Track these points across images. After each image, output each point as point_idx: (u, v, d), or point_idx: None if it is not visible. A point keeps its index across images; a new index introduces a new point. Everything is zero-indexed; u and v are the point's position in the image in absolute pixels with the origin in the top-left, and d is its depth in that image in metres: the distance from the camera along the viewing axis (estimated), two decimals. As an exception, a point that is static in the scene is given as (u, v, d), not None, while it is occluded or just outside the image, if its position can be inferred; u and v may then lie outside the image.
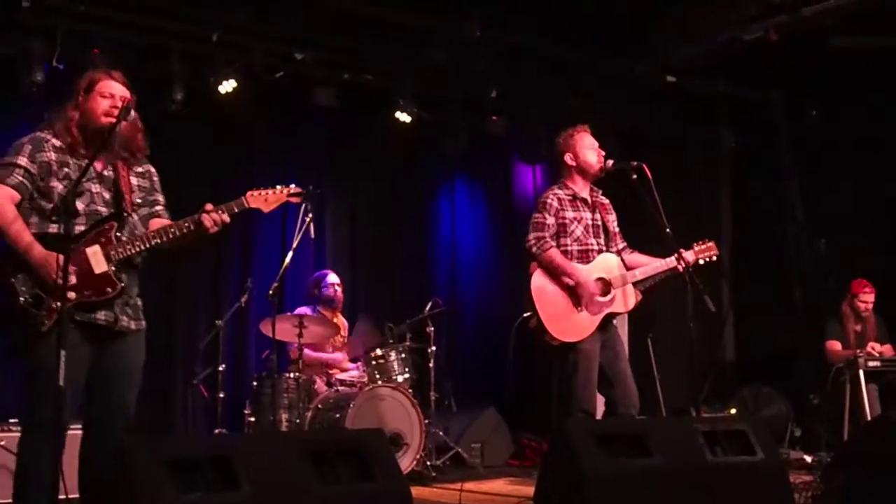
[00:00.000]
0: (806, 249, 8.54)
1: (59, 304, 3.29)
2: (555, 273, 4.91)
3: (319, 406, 6.29)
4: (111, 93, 3.66)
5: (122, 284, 3.55)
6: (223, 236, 7.13)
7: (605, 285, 4.95)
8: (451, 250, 9.03)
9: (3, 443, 5.07)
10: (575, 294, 4.88)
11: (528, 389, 7.80)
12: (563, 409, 4.90)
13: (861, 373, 6.85)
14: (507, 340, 6.91)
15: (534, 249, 4.95)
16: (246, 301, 6.66)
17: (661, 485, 3.36)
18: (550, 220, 4.99)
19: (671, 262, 4.96)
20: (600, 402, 5.01)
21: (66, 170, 3.58)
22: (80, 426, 3.75)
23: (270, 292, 6.15)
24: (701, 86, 8.39)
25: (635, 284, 5.04)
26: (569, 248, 4.98)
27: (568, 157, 5.12)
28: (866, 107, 7.91)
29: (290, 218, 7.08)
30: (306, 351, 6.53)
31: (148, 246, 3.60)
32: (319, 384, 6.58)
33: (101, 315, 3.55)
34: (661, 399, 7.62)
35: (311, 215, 6.26)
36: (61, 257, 3.28)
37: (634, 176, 4.90)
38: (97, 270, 3.51)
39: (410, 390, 6.40)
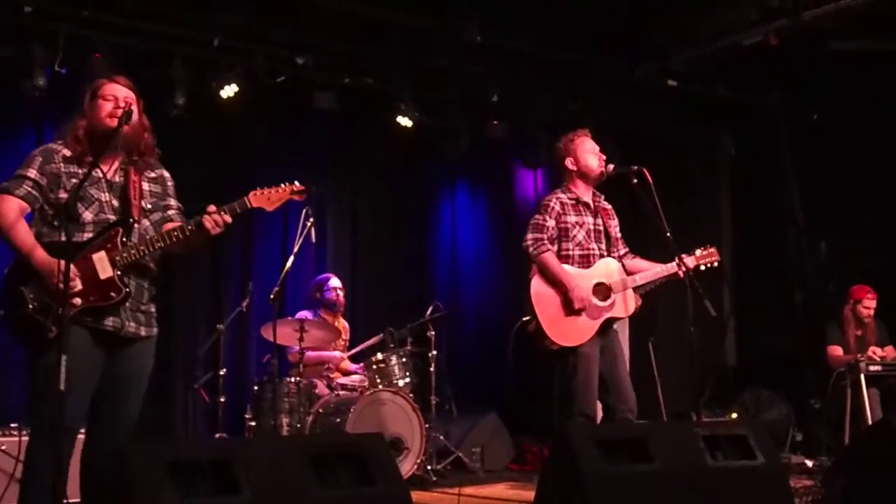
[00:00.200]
0: (806, 253, 8.54)
1: (65, 308, 3.30)
2: (548, 277, 4.91)
3: (320, 410, 6.29)
4: (114, 95, 3.68)
5: (128, 289, 3.56)
6: (224, 240, 7.21)
7: (606, 290, 4.95)
8: (452, 254, 9.04)
9: (3, 447, 5.07)
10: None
11: (529, 394, 7.80)
12: (563, 414, 4.90)
13: (862, 377, 6.84)
14: (507, 345, 6.91)
15: (530, 250, 4.95)
16: (247, 305, 6.66)
17: (661, 489, 3.36)
18: (550, 223, 4.99)
19: (672, 267, 4.95)
20: (600, 406, 5.01)
21: (74, 180, 3.59)
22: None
23: (272, 296, 6.16)
24: (701, 89, 8.39)
25: (635, 289, 5.04)
26: (570, 252, 4.98)
27: (569, 162, 5.12)
28: (866, 110, 7.92)
29: (291, 222, 7.10)
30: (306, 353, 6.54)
31: (152, 250, 3.61)
32: (321, 388, 6.58)
33: (109, 321, 3.57)
34: (662, 403, 7.62)
35: (312, 219, 6.27)
36: (62, 263, 3.30)
37: (635, 180, 4.90)
38: (102, 276, 3.53)
39: (411, 394, 6.41)
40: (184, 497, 2.66)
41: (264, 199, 3.74)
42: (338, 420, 6.09)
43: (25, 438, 3.67)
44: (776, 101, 8.59)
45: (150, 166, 3.81)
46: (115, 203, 3.66)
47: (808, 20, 6.90)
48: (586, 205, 5.10)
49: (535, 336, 4.93)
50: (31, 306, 3.47)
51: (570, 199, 5.07)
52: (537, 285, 4.93)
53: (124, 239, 3.59)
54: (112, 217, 3.63)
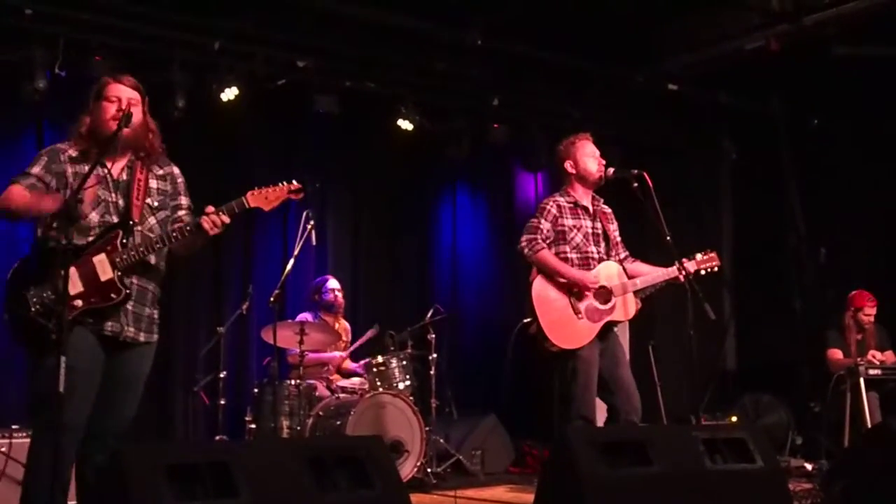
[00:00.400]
0: (807, 258, 8.54)
1: (64, 311, 3.32)
2: (549, 273, 4.91)
3: (320, 413, 6.29)
4: (118, 96, 3.70)
5: (128, 291, 3.58)
6: (225, 243, 7.21)
7: (606, 293, 4.95)
8: (453, 258, 9.03)
9: (3, 449, 5.06)
10: (575, 300, 4.89)
11: (529, 396, 7.80)
12: (562, 416, 4.90)
13: (862, 381, 6.84)
14: (507, 348, 6.91)
15: (525, 251, 4.96)
16: (247, 308, 6.66)
17: (661, 492, 3.36)
18: (546, 226, 4.99)
19: (672, 271, 4.95)
20: (601, 408, 5.01)
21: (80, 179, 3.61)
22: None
23: (272, 299, 6.16)
24: (702, 95, 8.39)
25: (636, 293, 5.05)
26: (568, 255, 4.99)
27: (568, 165, 5.13)
28: (868, 116, 7.92)
29: (292, 224, 7.10)
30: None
31: (152, 250, 3.63)
32: (321, 391, 6.58)
33: (108, 325, 3.60)
34: (662, 406, 7.61)
35: (312, 222, 6.28)
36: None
37: (635, 184, 4.91)
38: (103, 278, 3.56)
39: (411, 397, 6.41)
40: (182, 500, 2.66)
41: (262, 198, 3.74)
42: (338, 423, 6.09)
43: (26, 440, 3.69)
44: (777, 107, 8.59)
45: (158, 163, 3.82)
46: (121, 203, 3.68)
47: (810, 25, 6.90)
48: (585, 208, 5.10)
49: (535, 338, 4.94)
50: (33, 309, 3.50)
51: (568, 202, 5.08)
52: (539, 287, 4.93)
53: (124, 241, 3.60)
54: (116, 218, 3.65)
